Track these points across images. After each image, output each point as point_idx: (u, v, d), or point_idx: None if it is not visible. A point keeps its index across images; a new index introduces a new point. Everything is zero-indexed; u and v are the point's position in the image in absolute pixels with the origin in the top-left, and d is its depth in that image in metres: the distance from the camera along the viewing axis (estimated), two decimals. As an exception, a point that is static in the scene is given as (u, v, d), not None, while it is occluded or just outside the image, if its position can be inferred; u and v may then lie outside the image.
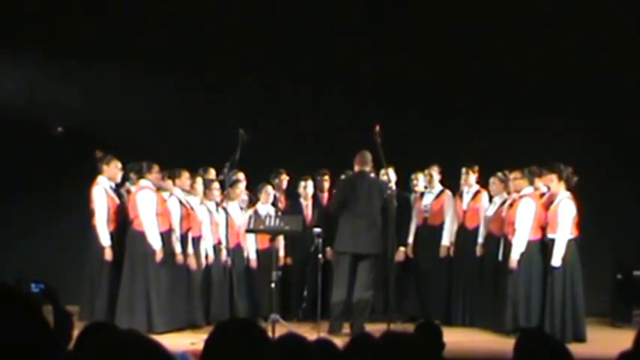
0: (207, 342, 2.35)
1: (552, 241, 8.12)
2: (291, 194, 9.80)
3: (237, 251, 9.05)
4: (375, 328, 7.63)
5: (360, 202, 8.34)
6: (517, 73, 10.00)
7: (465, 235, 9.22)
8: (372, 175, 8.70)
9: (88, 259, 8.54)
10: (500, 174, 8.97)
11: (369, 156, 8.49)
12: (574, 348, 3.71)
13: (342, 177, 9.22)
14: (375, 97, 10.24)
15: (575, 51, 9.68)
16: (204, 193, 9.02)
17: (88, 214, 8.52)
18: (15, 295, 1.57)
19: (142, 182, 8.49)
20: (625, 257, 9.58)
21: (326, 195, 9.69)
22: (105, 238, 8.41)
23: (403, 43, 10.10)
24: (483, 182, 9.26)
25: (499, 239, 8.69)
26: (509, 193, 8.78)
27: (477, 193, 9.29)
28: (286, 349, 3.05)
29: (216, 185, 9.09)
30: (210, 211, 9.01)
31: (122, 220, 8.53)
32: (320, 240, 8.42)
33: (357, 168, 8.59)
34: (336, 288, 8.33)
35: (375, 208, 8.37)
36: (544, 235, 8.28)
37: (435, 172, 9.47)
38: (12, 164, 10.34)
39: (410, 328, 6.48)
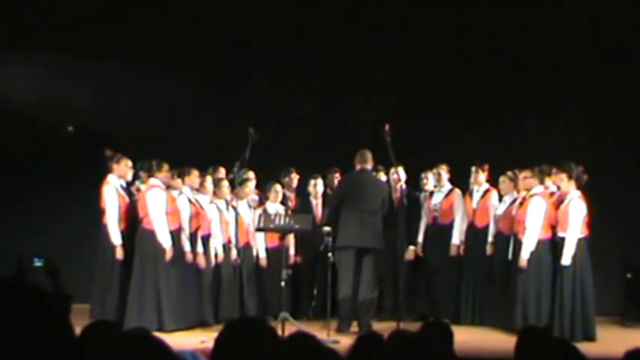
0: (218, 340, 2.37)
1: (562, 240, 8.10)
2: (302, 193, 9.81)
3: (246, 250, 9.07)
4: (385, 327, 7.64)
5: (363, 199, 8.37)
6: (527, 71, 9.98)
7: (475, 233, 9.21)
8: (373, 173, 8.75)
9: (98, 257, 8.56)
10: (509, 173, 8.96)
11: (369, 154, 8.56)
12: (584, 347, 3.71)
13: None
14: (385, 96, 10.24)
15: (586, 49, 9.65)
16: (214, 192, 9.04)
17: (99, 212, 8.55)
18: (42, 299, 1.53)
19: (152, 181, 8.51)
20: (635, 256, 9.55)
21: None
22: (116, 236, 8.43)
23: (413, 42, 10.09)
24: (493, 181, 9.26)
25: (509, 238, 8.68)
26: (518, 192, 8.77)
27: (487, 191, 9.28)
28: (296, 347, 3.05)
29: (225, 184, 9.11)
30: (219, 210, 9.03)
31: (133, 218, 8.55)
32: (330, 239, 8.41)
33: (357, 166, 8.62)
34: (341, 285, 8.33)
35: (376, 205, 8.41)
36: (554, 234, 8.26)
37: (444, 171, 9.47)
38: (23, 163, 10.39)
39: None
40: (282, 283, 8.07)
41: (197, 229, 8.70)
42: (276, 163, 9.76)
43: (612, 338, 7.95)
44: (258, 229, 8.59)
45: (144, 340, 1.90)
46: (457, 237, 9.31)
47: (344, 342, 6.82)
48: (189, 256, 8.54)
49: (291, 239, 9.21)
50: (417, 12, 9.91)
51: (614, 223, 9.52)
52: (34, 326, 1.46)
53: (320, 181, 9.65)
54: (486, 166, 9.30)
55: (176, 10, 10.08)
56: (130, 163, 8.69)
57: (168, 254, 8.25)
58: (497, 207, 9.11)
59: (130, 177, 8.77)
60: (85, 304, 8.24)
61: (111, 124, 10.13)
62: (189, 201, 8.69)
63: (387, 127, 8.13)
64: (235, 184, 8.95)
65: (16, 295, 1.49)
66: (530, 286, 8.21)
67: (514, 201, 8.80)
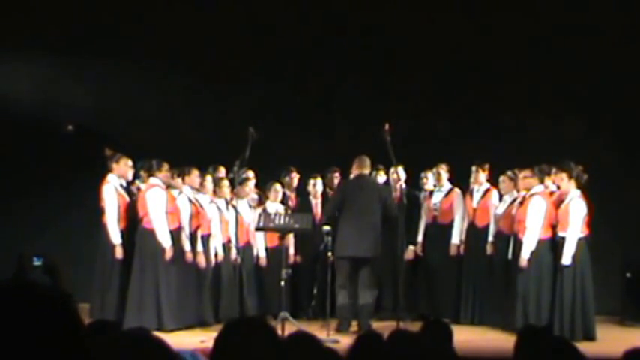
0: (217, 340, 2.37)
1: (562, 239, 8.11)
2: (302, 192, 9.81)
3: (246, 249, 9.07)
4: (385, 327, 7.64)
5: (360, 206, 8.35)
6: (528, 71, 9.98)
7: (475, 233, 9.21)
8: (371, 178, 8.74)
9: (98, 257, 8.56)
10: (509, 172, 8.96)
11: (367, 161, 8.56)
12: (583, 346, 3.71)
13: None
14: (386, 95, 10.24)
15: (588, 49, 9.64)
16: (214, 191, 9.05)
17: (99, 212, 8.56)
18: (54, 300, 1.52)
19: (152, 180, 8.52)
20: (635, 256, 9.55)
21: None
22: (115, 236, 8.43)
23: (413, 42, 10.09)
24: (493, 181, 9.26)
25: (509, 237, 8.68)
26: (518, 192, 8.78)
27: (487, 191, 9.28)
28: (296, 347, 3.06)
29: (225, 183, 9.11)
30: (219, 209, 9.03)
31: (132, 218, 8.55)
32: (329, 238, 8.41)
33: (355, 172, 8.60)
34: (339, 291, 8.37)
35: (374, 211, 8.38)
36: (554, 233, 8.26)
37: (443, 171, 9.47)
38: (23, 162, 10.39)
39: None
40: (282, 283, 8.06)
41: (197, 228, 8.70)
42: (276, 163, 9.76)
43: (612, 337, 7.96)
44: (258, 229, 8.58)
45: (144, 339, 1.91)
46: (457, 236, 9.31)
47: (344, 342, 6.82)
48: (189, 256, 8.53)
49: (290, 239, 9.21)
50: (417, 12, 9.91)
51: (614, 222, 9.52)
52: (45, 327, 1.46)
53: (319, 181, 9.65)
54: (486, 166, 9.30)
55: (176, 9, 10.08)
56: (130, 163, 8.70)
57: (168, 254, 8.26)
58: (497, 207, 9.11)
59: (130, 176, 8.77)
60: (85, 303, 8.24)
61: (111, 124, 10.13)
62: (189, 200, 8.69)
63: (387, 127, 8.13)
64: (235, 184, 8.95)
65: (25, 296, 1.49)
66: (531, 286, 8.21)
67: (514, 201, 8.80)
